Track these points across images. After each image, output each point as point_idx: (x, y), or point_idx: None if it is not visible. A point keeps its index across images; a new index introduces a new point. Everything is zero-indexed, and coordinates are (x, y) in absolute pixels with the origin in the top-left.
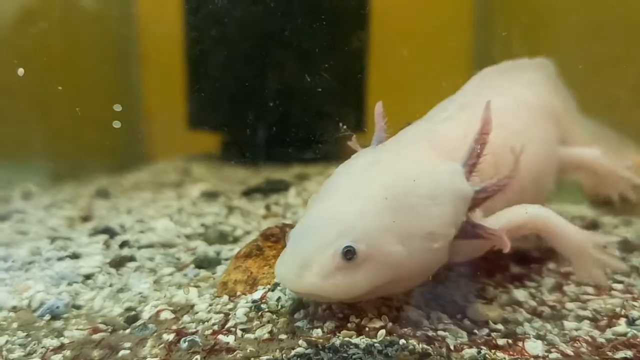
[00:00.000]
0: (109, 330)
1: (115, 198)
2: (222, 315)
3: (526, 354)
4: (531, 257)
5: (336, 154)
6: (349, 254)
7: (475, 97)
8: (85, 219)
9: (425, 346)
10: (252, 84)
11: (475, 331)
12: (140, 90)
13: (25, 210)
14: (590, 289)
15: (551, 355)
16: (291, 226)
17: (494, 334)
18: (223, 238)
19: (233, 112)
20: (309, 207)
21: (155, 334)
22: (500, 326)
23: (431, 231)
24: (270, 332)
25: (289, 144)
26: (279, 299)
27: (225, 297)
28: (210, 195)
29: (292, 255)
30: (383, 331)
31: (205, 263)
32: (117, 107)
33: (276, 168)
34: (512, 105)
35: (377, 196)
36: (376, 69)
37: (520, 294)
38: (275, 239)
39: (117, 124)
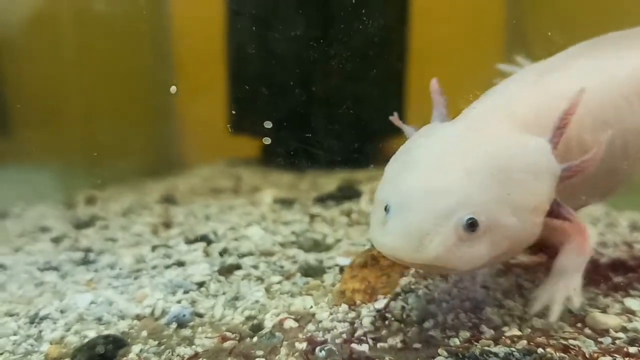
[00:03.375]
0: (237, 338)
1: (183, 204)
2: (347, 324)
3: None
4: (628, 265)
5: (379, 159)
6: (472, 226)
7: (558, 68)
8: (167, 225)
9: (562, 354)
10: (295, 88)
11: (600, 340)
12: (179, 94)
13: (102, 216)
14: None
15: None
16: None
17: (618, 342)
18: (317, 246)
19: (276, 117)
20: (391, 179)
21: (285, 342)
22: (621, 334)
23: (536, 205)
24: (403, 342)
25: (332, 149)
26: (403, 308)
27: (345, 306)
28: (285, 202)
29: (403, 226)
30: (524, 341)
31: (310, 271)
32: (173, 89)
33: (321, 174)
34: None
35: (484, 169)
36: (415, 75)
37: (632, 303)
38: None
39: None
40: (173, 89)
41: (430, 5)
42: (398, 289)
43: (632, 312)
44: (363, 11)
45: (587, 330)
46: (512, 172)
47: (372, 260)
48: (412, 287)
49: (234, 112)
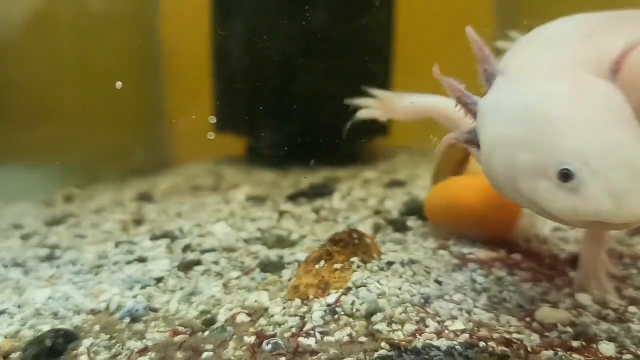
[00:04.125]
0: (188, 332)
1: (160, 202)
2: (298, 318)
3: (601, 356)
4: None
5: (363, 157)
6: None
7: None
8: (138, 222)
9: (504, 348)
10: (279, 88)
11: (547, 334)
12: (166, 94)
13: (75, 213)
14: None
15: (625, 357)
16: (358, 232)
17: (565, 337)
18: (281, 242)
19: (261, 116)
20: (550, 143)
21: (235, 336)
22: (569, 329)
23: None
24: (350, 335)
25: (316, 148)
26: (353, 302)
27: (298, 301)
28: (257, 200)
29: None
30: (467, 335)
31: (270, 267)
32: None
33: (303, 172)
34: None
35: None
36: (401, 74)
37: (583, 298)
38: (344, 244)
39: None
40: (119, 84)
41: None
42: (350, 284)
43: (583, 307)
44: (346, 10)
45: (536, 325)
46: None
47: (327, 255)
48: (364, 281)
49: (217, 111)
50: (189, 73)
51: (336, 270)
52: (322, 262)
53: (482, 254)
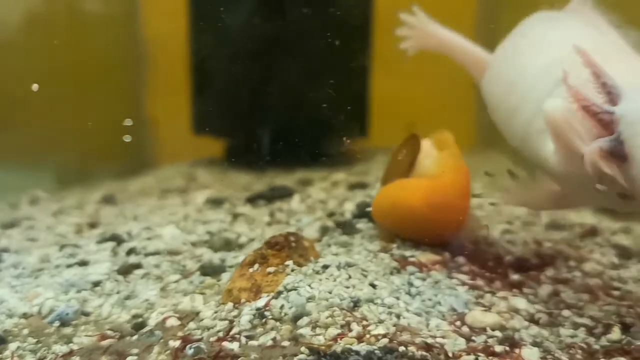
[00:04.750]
0: (117, 336)
1: (122, 204)
2: (227, 322)
3: None
4: (530, 264)
5: (339, 159)
6: None
7: None
8: (93, 225)
9: (423, 353)
10: (255, 90)
11: (474, 338)
12: (146, 95)
13: (33, 216)
14: (586, 296)
15: None
16: (296, 235)
17: (491, 341)
18: (228, 245)
19: (237, 117)
20: None
21: (162, 340)
22: (498, 333)
23: None
24: (274, 339)
25: (293, 150)
26: (282, 306)
27: (230, 305)
28: (215, 202)
29: None
30: (385, 339)
31: (210, 270)
32: (128, 122)
33: (280, 173)
34: None
35: None
36: (379, 75)
37: (518, 301)
38: (280, 247)
39: (127, 138)
40: (35, 86)
41: None
42: (281, 287)
43: (516, 311)
44: (324, 9)
45: (465, 329)
46: None
47: (262, 258)
48: (296, 285)
49: (194, 113)
50: (169, 74)
51: (269, 273)
52: (256, 266)
53: (424, 256)
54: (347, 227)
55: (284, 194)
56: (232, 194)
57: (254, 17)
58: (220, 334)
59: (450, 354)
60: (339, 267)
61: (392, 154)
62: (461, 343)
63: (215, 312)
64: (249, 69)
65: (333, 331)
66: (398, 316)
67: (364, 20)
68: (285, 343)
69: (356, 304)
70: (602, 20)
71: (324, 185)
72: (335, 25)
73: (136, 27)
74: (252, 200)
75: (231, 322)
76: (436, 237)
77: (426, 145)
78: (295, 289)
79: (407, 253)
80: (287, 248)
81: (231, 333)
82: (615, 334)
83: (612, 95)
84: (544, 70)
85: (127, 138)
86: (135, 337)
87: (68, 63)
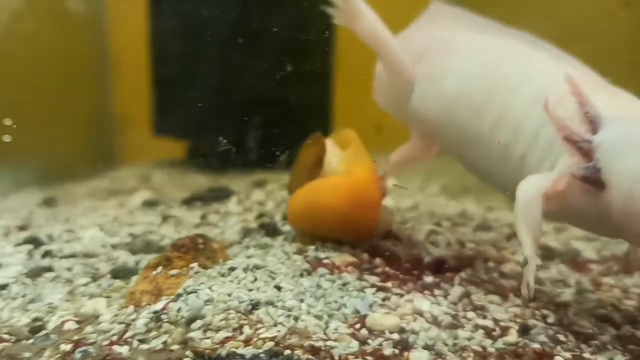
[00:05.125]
0: (12, 340)
1: (60, 207)
2: (123, 325)
3: None
4: (448, 265)
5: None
6: None
7: None
8: (23, 228)
9: (310, 356)
10: (214, 91)
11: (369, 341)
12: (112, 96)
13: None
14: (496, 298)
15: None
16: (205, 237)
17: (385, 344)
18: (148, 248)
19: (195, 119)
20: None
21: (56, 344)
22: (396, 336)
23: None
24: (164, 343)
25: (251, 151)
26: (179, 309)
27: (131, 308)
28: (151, 204)
29: None
30: (271, 343)
31: (121, 273)
32: (7, 121)
33: (238, 174)
34: None
35: None
36: (342, 76)
37: (423, 303)
38: (185, 249)
39: (7, 138)
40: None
41: None
42: (181, 290)
43: (420, 313)
44: (285, 9)
45: (363, 331)
46: None
47: (166, 261)
48: (196, 288)
49: (155, 114)
50: (134, 75)
51: (172, 276)
52: (160, 268)
53: (340, 258)
54: (270, 229)
55: (222, 195)
56: (172, 196)
57: (214, 19)
58: (114, 338)
59: (336, 358)
60: (246, 270)
61: (297, 158)
62: (354, 346)
63: (115, 316)
64: (209, 71)
65: (223, 334)
66: (296, 319)
67: (326, 21)
68: (175, 347)
69: (255, 306)
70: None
71: (273, 187)
72: (298, 27)
73: (103, 28)
74: (188, 202)
75: (127, 325)
76: (356, 233)
77: (330, 144)
78: (195, 292)
79: (323, 255)
80: (193, 250)
81: (125, 336)
82: (512, 336)
83: (593, 124)
84: (532, 104)
85: (7, 138)
86: (30, 340)
87: (32, 64)
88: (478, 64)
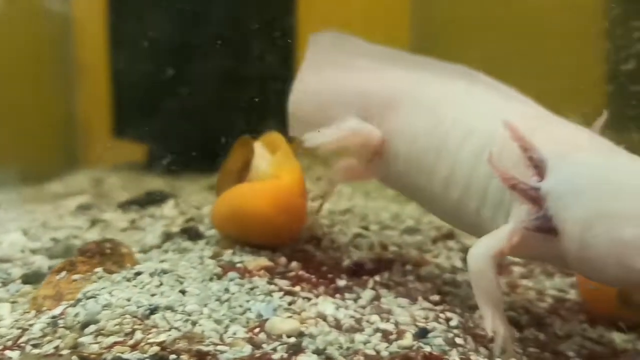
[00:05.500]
0: None
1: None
2: (20, 330)
3: None
4: (365, 268)
5: None
6: None
7: None
8: None
9: None
10: (174, 94)
11: (264, 345)
12: (76, 98)
13: None
14: (405, 301)
15: None
16: (113, 241)
17: (280, 348)
18: (68, 252)
19: (152, 122)
20: None
21: None
22: (292, 340)
23: None
24: (56, 347)
25: (208, 154)
26: (77, 314)
27: (33, 313)
28: (85, 208)
29: None
30: (156, 347)
31: (32, 278)
32: None
33: (195, 177)
34: None
35: None
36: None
37: (328, 307)
38: (91, 254)
39: None
40: None
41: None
42: (80, 295)
43: (323, 317)
44: (245, 16)
45: (261, 336)
46: None
47: (70, 266)
48: (96, 292)
49: (114, 117)
50: (97, 77)
51: (74, 281)
52: (63, 273)
53: (255, 262)
54: (193, 234)
55: (159, 199)
56: (116, 200)
57: (169, 24)
58: (9, 343)
59: None
60: (152, 274)
61: (225, 161)
62: (247, 351)
63: (16, 321)
64: (165, 75)
65: (113, 339)
66: (194, 323)
67: (283, 29)
68: (65, 351)
69: (153, 311)
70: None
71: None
72: (259, 29)
73: (68, 28)
74: (124, 206)
75: (24, 330)
76: (280, 238)
77: (258, 148)
78: (94, 297)
79: (238, 259)
80: (99, 255)
81: (19, 341)
82: (407, 339)
83: (539, 169)
84: (479, 157)
85: None
86: None
87: None
88: (422, 122)
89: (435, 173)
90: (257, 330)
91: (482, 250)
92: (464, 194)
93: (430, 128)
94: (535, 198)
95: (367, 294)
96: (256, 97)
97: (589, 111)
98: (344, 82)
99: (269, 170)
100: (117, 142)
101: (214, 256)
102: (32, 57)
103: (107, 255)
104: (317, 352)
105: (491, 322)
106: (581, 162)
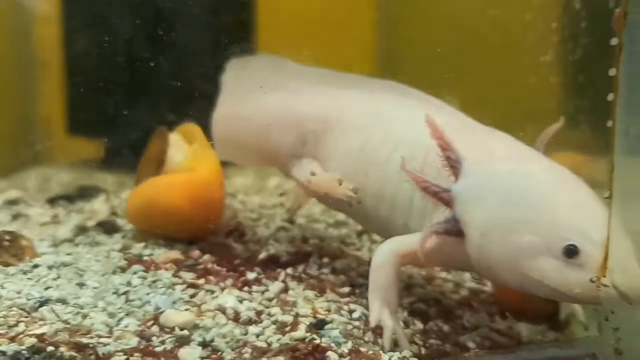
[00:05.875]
0: None
1: None
2: None
3: None
4: (280, 261)
5: None
6: None
7: None
8: None
9: (73, 354)
10: (126, 90)
11: (153, 338)
12: (36, 95)
13: None
14: (312, 293)
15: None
16: (14, 234)
17: (168, 341)
18: None
19: (105, 119)
20: (538, 223)
21: None
22: (186, 332)
23: None
24: None
25: None
26: None
27: None
28: (12, 202)
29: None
30: (33, 339)
31: None
32: None
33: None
34: None
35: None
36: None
37: (229, 300)
38: None
39: None
40: None
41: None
42: None
43: (223, 310)
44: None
45: (154, 328)
46: None
47: None
48: None
49: (68, 113)
50: (56, 74)
51: None
52: None
53: (165, 255)
54: (109, 227)
55: (90, 194)
56: (44, 195)
57: (124, 19)
58: None
59: (100, 354)
60: (51, 267)
61: (144, 153)
62: (133, 343)
63: None
64: (119, 69)
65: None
66: (85, 316)
67: (244, 28)
68: None
69: (43, 304)
70: None
71: None
72: (215, 22)
73: (28, 25)
74: (53, 201)
75: None
76: (196, 231)
77: (175, 139)
78: None
79: (148, 252)
80: None
81: None
82: (300, 331)
83: (455, 170)
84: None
85: None
86: None
87: None
88: (353, 142)
89: (366, 190)
90: (150, 323)
91: (390, 246)
92: (392, 210)
93: (360, 147)
94: (447, 200)
95: (275, 287)
96: (214, 92)
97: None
98: (276, 105)
99: (184, 162)
100: (71, 139)
101: (123, 249)
102: None
103: (4, 248)
104: (203, 344)
105: (377, 315)
106: (491, 169)
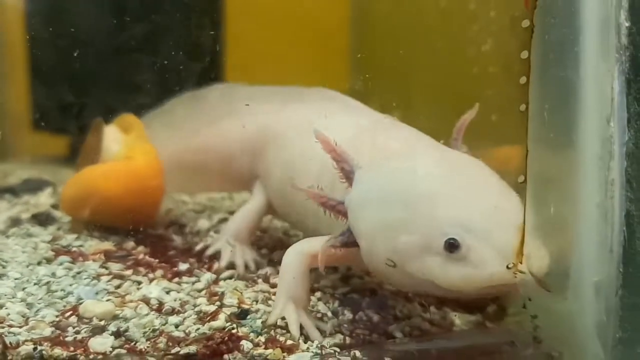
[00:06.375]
0: None
1: None
2: None
3: (89, 351)
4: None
5: None
6: None
7: None
8: None
9: None
10: (89, 86)
11: (70, 328)
12: (7, 91)
13: None
14: (242, 284)
15: (116, 351)
16: None
17: (84, 331)
18: None
19: (68, 115)
20: (421, 215)
21: None
22: (102, 323)
23: None
24: None
25: None
26: None
27: None
28: None
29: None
30: None
31: None
32: None
33: None
34: None
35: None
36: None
37: (154, 290)
38: None
39: None
40: None
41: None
42: None
43: (147, 301)
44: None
45: (72, 319)
46: None
47: None
48: None
49: (32, 108)
50: (23, 72)
51: None
52: None
53: (96, 246)
54: (43, 219)
55: (36, 187)
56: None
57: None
58: None
59: (8, 344)
60: None
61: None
62: (46, 333)
63: None
64: (83, 65)
65: None
66: (1, 307)
67: (214, 21)
68: None
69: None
70: None
71: None
72: (185, 21)
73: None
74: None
75: None
76: (133, 221)
77: (111, 130)
78: None
79: (78, 243)
80: None
81: None
82: (220, 321)
83: (350, 180)
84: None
85: None
86: None
87: None
88: (284, 155)
89: (294, 204)
90: (69, 314)
91: (299, 247)
92: (316, 220)
93: (288, 160)
94: (343, 212)
95: (206, 278)
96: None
97: None
98: (230, 131)
99: (121, 152)
100: (37, 135)
101: (52, 240)
102: None
103: None
104: (117, 334)
105: (279, 311)
106: (376, 172)
